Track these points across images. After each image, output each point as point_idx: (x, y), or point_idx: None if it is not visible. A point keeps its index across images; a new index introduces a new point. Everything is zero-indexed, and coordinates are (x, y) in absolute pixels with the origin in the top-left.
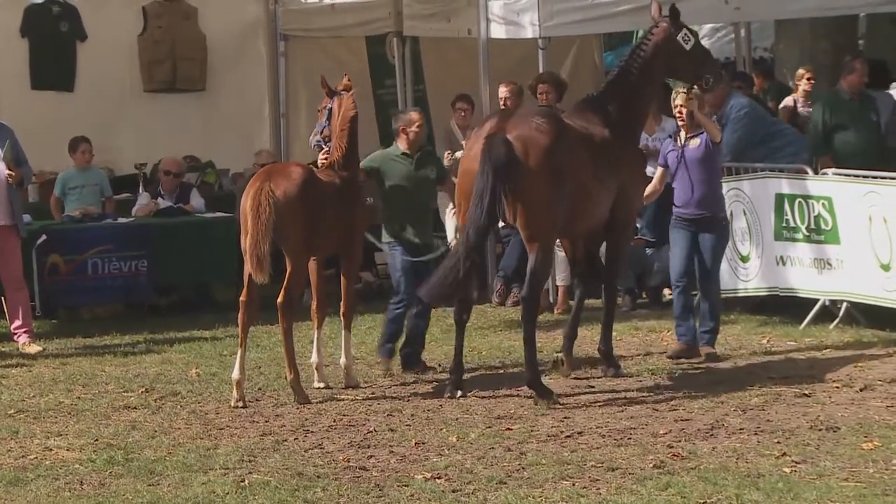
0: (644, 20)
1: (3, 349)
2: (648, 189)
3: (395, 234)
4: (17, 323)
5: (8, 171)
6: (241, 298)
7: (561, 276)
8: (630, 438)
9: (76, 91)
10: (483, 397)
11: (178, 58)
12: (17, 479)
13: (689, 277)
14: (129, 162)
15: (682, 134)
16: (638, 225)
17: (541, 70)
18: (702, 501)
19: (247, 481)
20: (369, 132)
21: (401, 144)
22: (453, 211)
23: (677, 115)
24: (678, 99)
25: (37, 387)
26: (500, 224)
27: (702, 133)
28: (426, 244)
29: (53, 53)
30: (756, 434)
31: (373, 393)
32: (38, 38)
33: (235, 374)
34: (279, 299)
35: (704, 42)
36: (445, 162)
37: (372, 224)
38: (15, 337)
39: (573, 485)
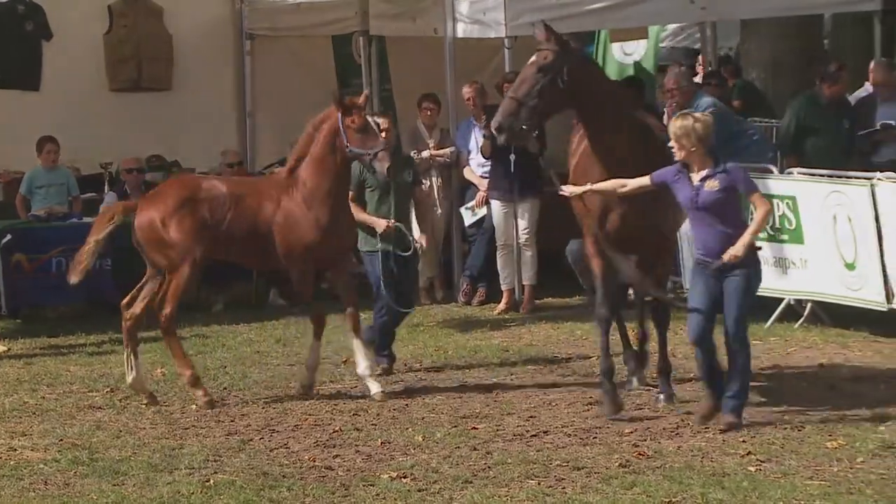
0: (610, 19)
1: None
2: (609, 185)
3: (375, 239)
4: None
5: None
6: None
7: (527, 274)
8: (595, 437)
9: (42, 90)
10: (449, 396)
11: (143, 57)
12: None
13: (709, 331)
14: (94, 161)
15: (694, 174)
16: None
17: (507, 69)
18: (667, 500)
19: (212, 481)
20: None
21: None
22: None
23: (676, 152)
24: (677, 128)
25: (1, 386)
26: (467, 223)
27: (720, 171)
28: (406, 247)
29: (19, 52)
30: (721, 433)
31: (338, 392)
32: (3, 37)
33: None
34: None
35: (669, 42)
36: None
37: None
38: None
39: (539, 484)
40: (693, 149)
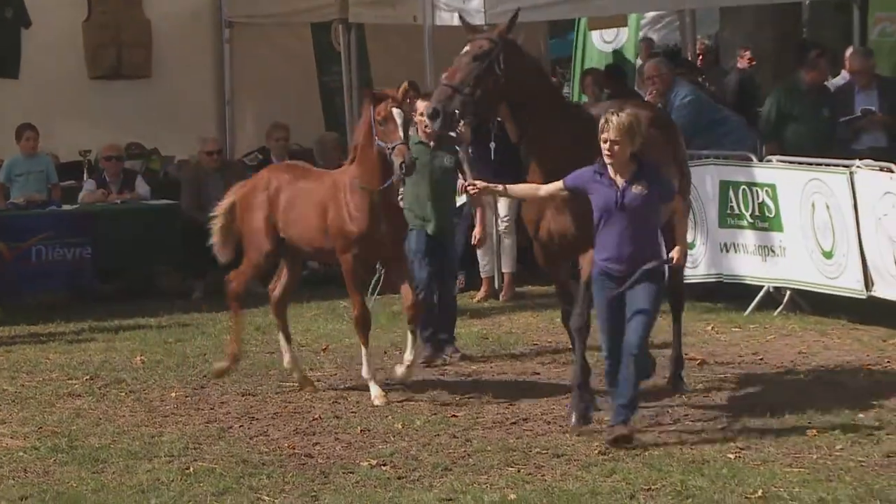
0: (589, 7)
1: None
2: (524, 189)
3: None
4: None
5: None
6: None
7: (507, 262)
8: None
9: (21, 77)
10: (429, 384)
11: (122, 44)
12: None
13: (619, 342)
14: (73, 149)
15: (616, 175)
16: None
17: None
18: (646, 487)
19: (192, 468)
20: (315, 118)
21: (419, 132)
22: None
23: (606, 153)
24: (609, 132)
25: None
26: None
27: (647, 173)
28: (445, 228)
29: None
30: (701, 420)
31: (318, 380)
32: None
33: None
34: None
35: (648, 30)
36: None
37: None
38: None
39: (518, 471)
40: (635, 149)
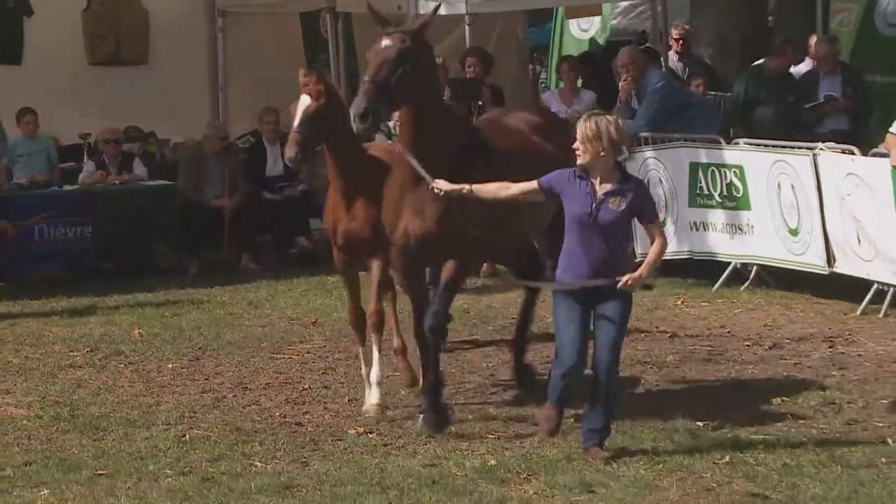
0: None
1: None
2: (492, 188)
3: None
4: None
5: None
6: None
7: None
8: None
9: (23, 64)
10: (413, 356)
11: (121, 32)
12: None
13: (583, 361)
14: (73, 132)
15: (596, 184)
16: None
17: (468, 45)
18: (619, 454)
19: (188, 436)
20: None
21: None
22: None
23: (576, 154)
24: (587, 128)
25: None
26: None
27: (628, 189)
28: None
29: (0, 28)
30: (671, 390)
31: (308, 352)
32: None
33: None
34: None
35: (621, 19)
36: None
37: None
38: None
39: (498, 438)
40: (602, 153)
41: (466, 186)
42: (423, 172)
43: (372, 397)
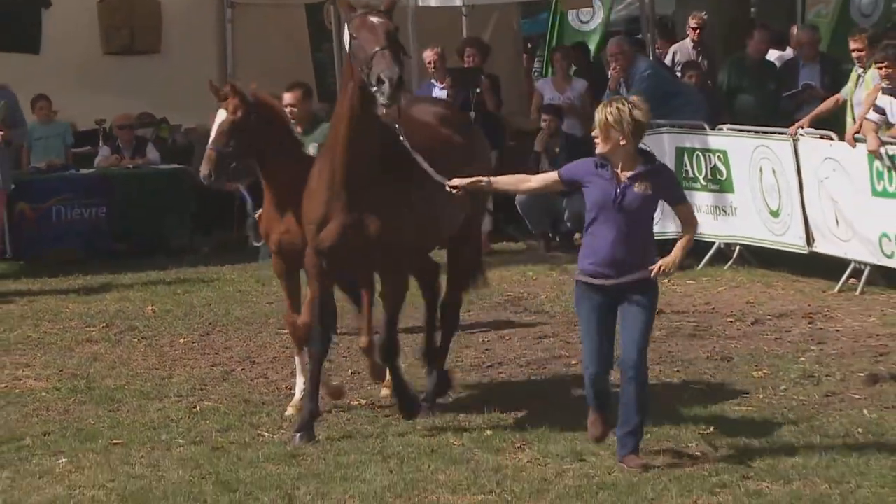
0: None
1: None
2: (511, 179)
3: None
4: None
5: None
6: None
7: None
8: (545, 368)
9: (41, 54)
10: (412, 333)
11: (135, 23)
12: None
13: (609, 365)
14: (89, 118)
15: (619, 170)
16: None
17: (464, 35)
18: (609, 424)
19: (198, 407)
20: None
21: None
22: None
23: (596, 141)
24: (607, 114)
25: (6, 322)
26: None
27: (652, 172)
28: None
29: (20, 19)
30: (658, 364)
31: None
32: (6, 6)
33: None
34: None
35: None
36: None
37: None
38: None
39: (494, 410)
40: (623, 142)
41: (485, 179)
42: (433, 173)
43: (296, 401)
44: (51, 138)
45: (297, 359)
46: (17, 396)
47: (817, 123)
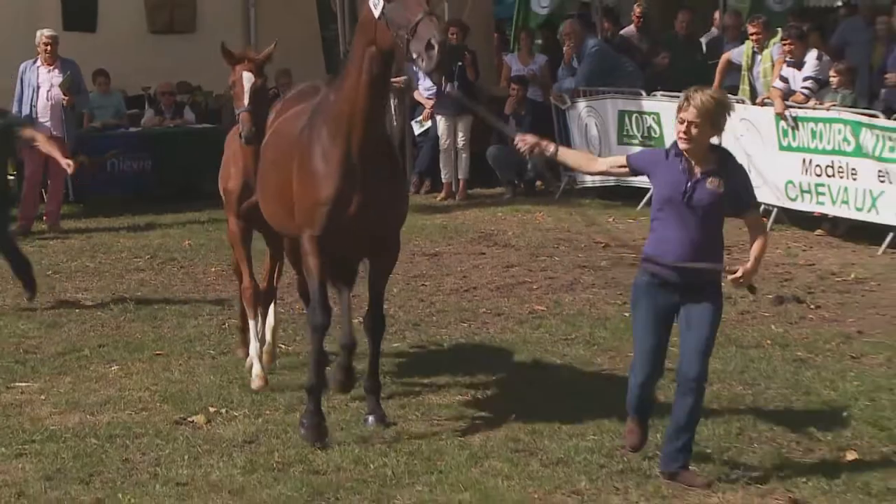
0: None
1: (42, 227)
2: (580, 156)
3: None
4: (52, 207)
5: (64, 97)
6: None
7: (462, 171)
8: (512, 292)
9: (97, 31)
10: (402, 262)
11: (175, 5)
12: (54, 323)
13: (660, 373)
14: (137, 85)
15: (693, 163)
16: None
17: (447, 17)
18: (564, 337)
19: (226, 324)
20: (317, 64)
21: None
22: None
23: (681, 135)
24: (687, 111)
25: (68, 254)
26: (416, 133)
27: (727, 172)
28: None
29: (80, 3)
30: (604, 288)
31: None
32: None
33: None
34: None
35: None
36: None
37: None
38: (45, 217)
39: (469, 326)
40: (711, 135)
41: (551, 146)
42: (501, 126)
43: (255, 369)
44: (107, 108)
45: (251, 324)
46: (77, 315)
47: (734, 90)
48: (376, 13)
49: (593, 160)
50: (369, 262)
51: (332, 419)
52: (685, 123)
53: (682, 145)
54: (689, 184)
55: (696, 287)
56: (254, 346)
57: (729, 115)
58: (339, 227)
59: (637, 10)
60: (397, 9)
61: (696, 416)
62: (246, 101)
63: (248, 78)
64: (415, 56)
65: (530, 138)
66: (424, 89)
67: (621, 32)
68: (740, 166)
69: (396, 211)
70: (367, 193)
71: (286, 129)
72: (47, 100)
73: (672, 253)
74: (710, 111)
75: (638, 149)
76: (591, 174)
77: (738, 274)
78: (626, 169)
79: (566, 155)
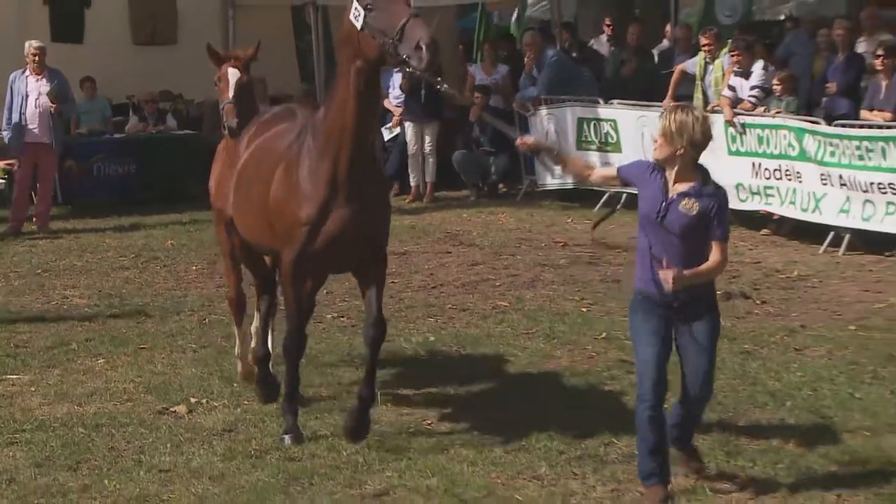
0: None
1: (32, 227)
2: (579, 163)
3: None
4: (41, 209)
5: (52, 105)
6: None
7: (429, 175)
8: (476, 289)
9: (84, 43)
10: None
11: (157, 18)
12: (41, 318)
13: (663, 391)
14: (122, 94)
15: (670, 179)
16: (481, 138)
17: None
18: (525, 332)
19: (207, 320)
20: (293, 74)
21: None
22: None
23: (659, 143)
24: (671, 121)
25: (57, 253)
26: (385, 139)
27: (704, 196)
28: None
29: (68, 15)
30: (563, 285)
31: None
32: (57, 5)
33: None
34: None
35: (530, 11)
36: None
37: None
38: (35, 218)
39: (436, 321)
40: (680, 151)
41: (554, 150)
42: (504, 127)
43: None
44: (93, 112)
45: (236, 331)
46: (66, 311)
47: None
48: (358, 25)
49: (589, 168)
50: (363, 275)
51: (306, 411)
52: (655, 139)
53: (654, 154)
54: (663, 203)
55: (690, 310)
56: (238, 347)
57: (700, 133)
58: (326, 243)
59: (609, 20)
60: (380, 16)
61: (698, 422)
62: (231, 94)
63: (233, 73)
64: (405, 58)
65: (529, 140)
66: (394, 98)
67: (591, 42)
68: (722, 191)
69: (385, 221)
70: (356, 207)
71: (271, 146)
72: (36, 107)
73: (658, 283)
74: (676, 131)
75: (599, 154)
76: (582, 182)
77: (670, 274)
78: (617, 180)
79: (567, 164)
